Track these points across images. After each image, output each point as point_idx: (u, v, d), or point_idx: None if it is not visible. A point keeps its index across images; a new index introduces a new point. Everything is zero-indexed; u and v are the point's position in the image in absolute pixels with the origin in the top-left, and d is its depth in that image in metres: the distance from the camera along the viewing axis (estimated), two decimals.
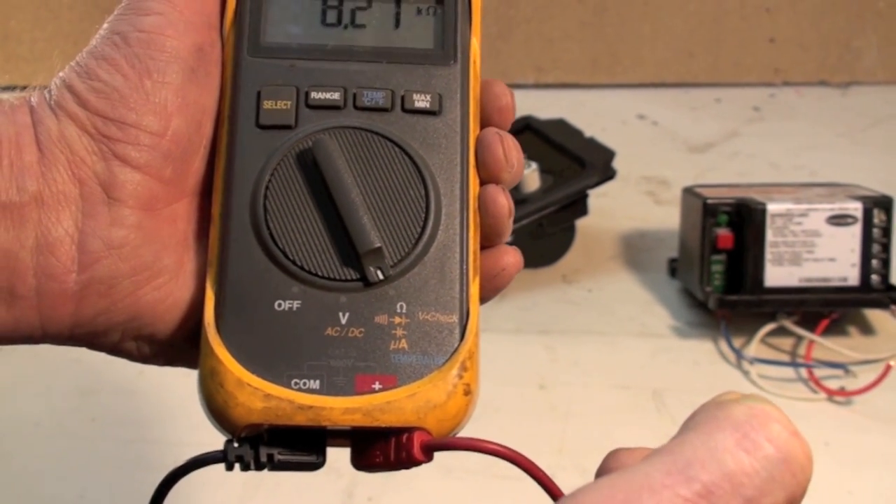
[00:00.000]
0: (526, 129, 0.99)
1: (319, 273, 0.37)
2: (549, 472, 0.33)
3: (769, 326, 0.83)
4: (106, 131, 0.37)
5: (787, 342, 0.84)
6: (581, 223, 0.94)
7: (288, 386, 0.35)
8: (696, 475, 0.27)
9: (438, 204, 0.38)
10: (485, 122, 0.40)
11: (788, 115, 1.30)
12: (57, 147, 0.37)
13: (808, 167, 1.15)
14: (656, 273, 0.94)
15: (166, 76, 0.37)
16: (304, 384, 0.35)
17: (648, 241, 1.00)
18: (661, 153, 1.19)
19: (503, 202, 0.39)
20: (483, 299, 0.39)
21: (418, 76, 0.39)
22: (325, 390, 0.35)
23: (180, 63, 0.38)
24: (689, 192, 0.88)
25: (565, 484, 0.31)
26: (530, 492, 0.35)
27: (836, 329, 0.84)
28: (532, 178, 0.90)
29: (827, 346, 0.81)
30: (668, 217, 0.98)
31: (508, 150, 0.39)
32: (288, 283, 0.37)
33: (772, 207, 0.82)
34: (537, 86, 1.34)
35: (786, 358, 0.82)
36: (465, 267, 0.37)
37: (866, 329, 0.86)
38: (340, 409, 0.35)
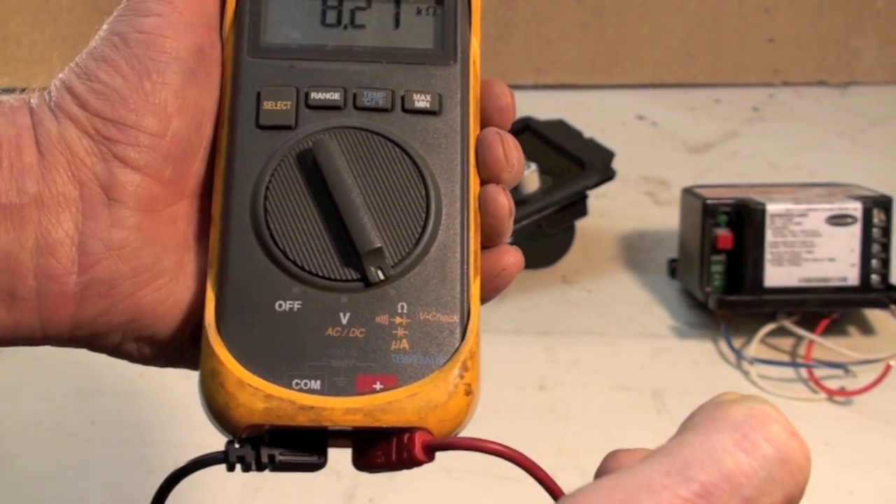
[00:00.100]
0: (525, 130, 0.99)
1: (320, 273, 0.37)
2: (549, 472, 0.33)
3: (769, 327, 0.83)
4: (106, 132, 0.37)
5: (787, 342, 0.84)
6: (581, 224, 0.94)
7: (289, 386, 0.35)
8: (695, 475, 0.27)
9: (439, 204, 0.38)
10: (485, 122, 0.40)
11: (788, 115, 1.30)
12: (57, 148, 0.37)
13: (807, 167, 1.15)
14: (656, 274, 0.94)
15: (166, 77, 0.37)
16: (305, 384, 0.35)
17: (648, 242, 1.00)
18: (660, 154, 1.19)
19: (504, 202, 0.39)
20: (484, 299, 0.39)
21: (418, 76, 0.39)
22: (326, 391, 0.35)
23: (180, 64, 0.38)
24: (688, 192, 0.88)
25: (566, 484, 0.31)
26: (531, 492, 0.35)
27: (836, 329, 0.84)
28: (531, 178, 0.90)
29: (827, 346, 0.81)
30: (667, 217, 0.98)
31: (509, 149, 0.39)
32: (288, 284, 0.37)
33: (771, 208, 0.82)
34: (536, 87, 1.34)
35: (786, 358, 0.82)
36: (465, 267, 0.37)
37: (866, 329, 0.86)
38: (341, 409, 0.35)
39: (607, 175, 0.91)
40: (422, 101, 0.39)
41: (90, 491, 0.68)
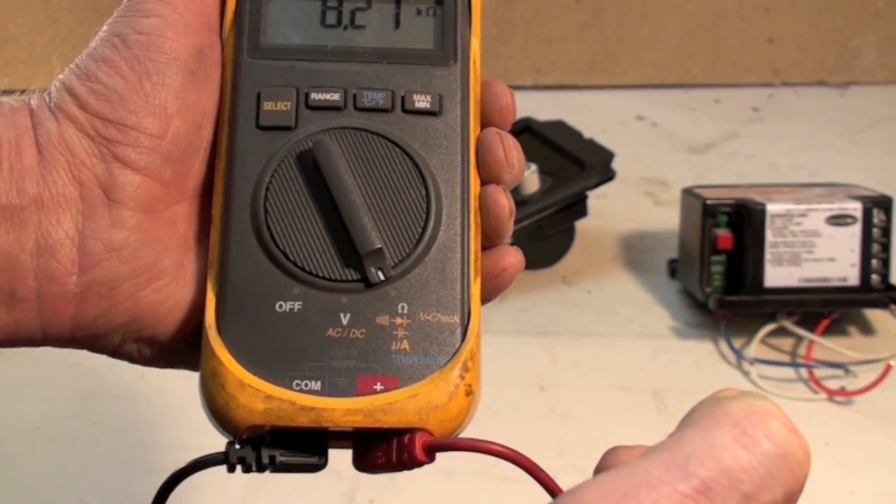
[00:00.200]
0: (525, 131, 0.99)
1: (320, 274, 0.37)
2: (549, 473, 0.33)
3: (769, 327, 0.83)
4: (106, 133, 0.37)
5: (787, 342, 0.84)
6: (581, 224, 0.94)
7: (289, 387, 0.35)
8: (695, 471, 0.27)
9: (439, 204, 0.38)
10: (485, 123, 0.40)
11: (787, 115, 1.30)
12: (57, 149, 0.37)
13: (807, 167, 1.15)
14: (656, 274, 0.94)
15: (166, 78, 0.37)
16: (306, 385, 0.35)
17: (648, 242, 0.99)
18: (660, 154, 1.19)
19: (504, 202, 0.39)
20: (484, 300, 0.39)
21: (418, 77, 0.39)
22: (326, 391, 0.35)
23: (180, 65, 0.38)
24: (688, 192, 0.88)
25: (566, 485, 0.31)
26: (531, 493, 0.35)
27: (836, 329, 0.84)
28: (531, 179, 0.90)
29: (827, 346, 0.81)
30: (667, 218, 0.98)
31: (509, 150, 0.39)
32: (289, 285, 0.37)
33: (771, 208, 0.82)
34: (536, 87, 1.34)
35: (786, 358, 0.82)
36: (466, 267, 0.37)
37: (866, 329, 0.86)
38: (342, 410, 0.35)
39: (607, 175, 0.91)
40: (422, 102, 0.39)
41: (90, 492, 0.68)
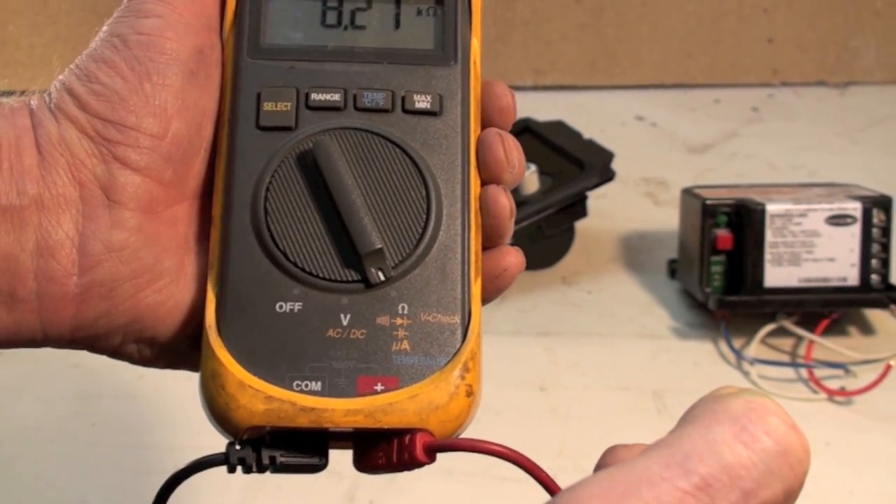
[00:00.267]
0: (525, 131, 0.99)
1: (320, 274, 0.37)
2: (549, 473, 0.33)
3: (769, 327, 0.83)
4: (106, 134, 0.37)
5: (787, 342, 0.84)
6: (580, 225, 0.94)
7: (290, 388, 0.35)
8: (695, 468, 0.27)
9: (439, 205, 0.38)
10: (485, 123, 0.40)
11: (787, 115, 1.30)
12: (57, 150, 0.36)
13: (806, 167, 1.15)
14: (656, 274, 0.94)
15: (166, 78, 0.37)
16: (306, 386, 0.35)
17: (648, 243, 0.99)
18: (659, 154, 1.19)
19: (504, 202, 0.39)
20: (485, 300, 0.39)
21: (419, 77, 0.39)
22: (326, 392, 0.35)
23: (180, 65, 0.38)
24: (688, 193, 0.88)
25: (566, 485, 0.31)
26: (532, 493, 0.35)
27: (836, 329, 0.84)
28: (531, 180, 0.90)
29: (827, 347, 0.81)
30: (667, 218, 0.98)
31: (509, 150, 0.39)
32: (289, 285, 0.37)
33: (771, 208, 0.82)
34: (536, 88, 1.34)
35: (786, 358, 0.82)
36: (466, 268, 0.37)
37: (866, 329, 0.86)
38: (342, 410, 0.35)
39: (607, 176, 0.91)
40: (422, 102, 0.39)
41: (91, 493, 0.68)
